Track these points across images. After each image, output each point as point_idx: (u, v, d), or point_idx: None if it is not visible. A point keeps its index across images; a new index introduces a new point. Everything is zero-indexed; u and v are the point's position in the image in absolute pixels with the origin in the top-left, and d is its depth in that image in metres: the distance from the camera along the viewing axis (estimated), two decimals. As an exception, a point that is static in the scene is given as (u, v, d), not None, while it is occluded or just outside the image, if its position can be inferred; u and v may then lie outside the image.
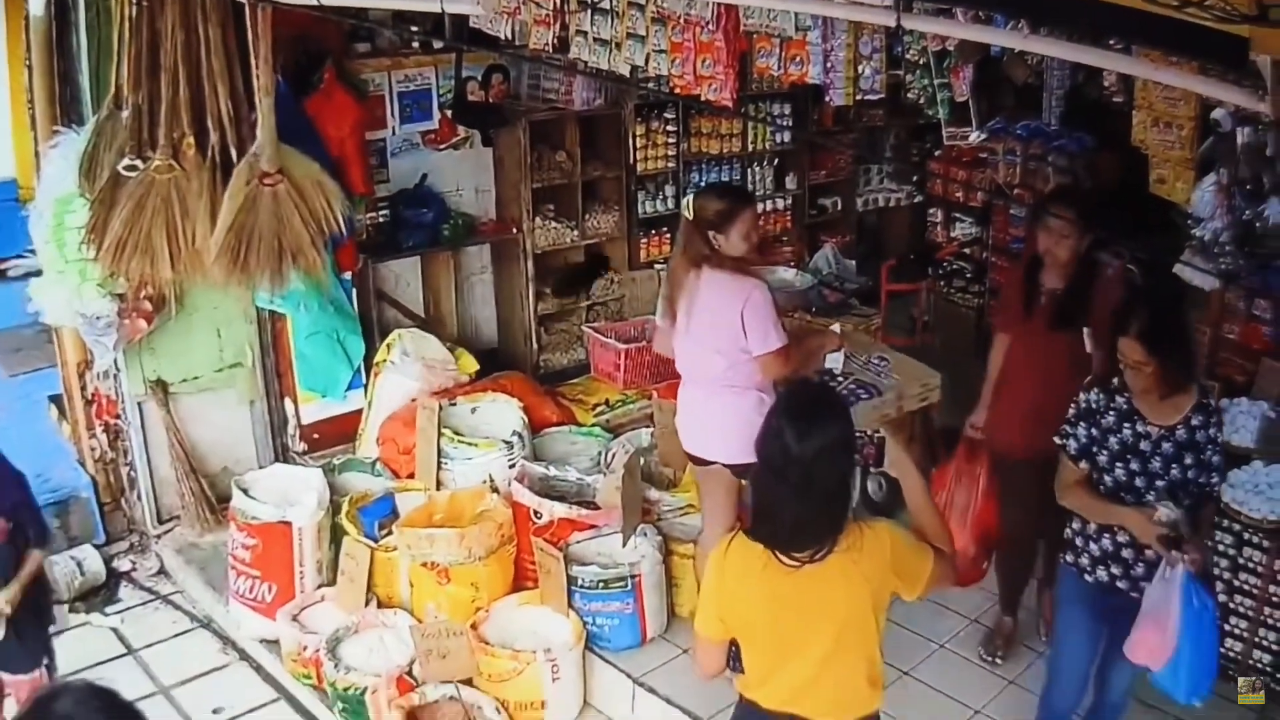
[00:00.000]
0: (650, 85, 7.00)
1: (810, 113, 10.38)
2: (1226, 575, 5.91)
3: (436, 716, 5.83)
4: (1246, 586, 5.86)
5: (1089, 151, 8.50)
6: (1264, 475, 5.87)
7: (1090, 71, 5.41)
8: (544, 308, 9.11)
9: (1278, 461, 5.92)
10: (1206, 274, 6.32)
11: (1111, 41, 3.60)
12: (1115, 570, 4.75)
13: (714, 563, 3.85)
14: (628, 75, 5.80)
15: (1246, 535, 5.81)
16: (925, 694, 5.99)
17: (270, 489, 6.78)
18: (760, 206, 10.04)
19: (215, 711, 6.37)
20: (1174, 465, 4.59)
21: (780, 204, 10.47)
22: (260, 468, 7.47)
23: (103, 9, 6.88)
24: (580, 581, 6.09)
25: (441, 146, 8.54)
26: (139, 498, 7.66)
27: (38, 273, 7.15)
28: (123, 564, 7.62)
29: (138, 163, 6.40)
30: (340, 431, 7.93)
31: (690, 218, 5.61)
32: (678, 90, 5.57)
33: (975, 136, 6.64)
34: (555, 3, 5.70)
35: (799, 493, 3.54)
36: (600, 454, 7.06)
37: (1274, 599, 5.78)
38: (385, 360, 7.60)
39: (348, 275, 7.80)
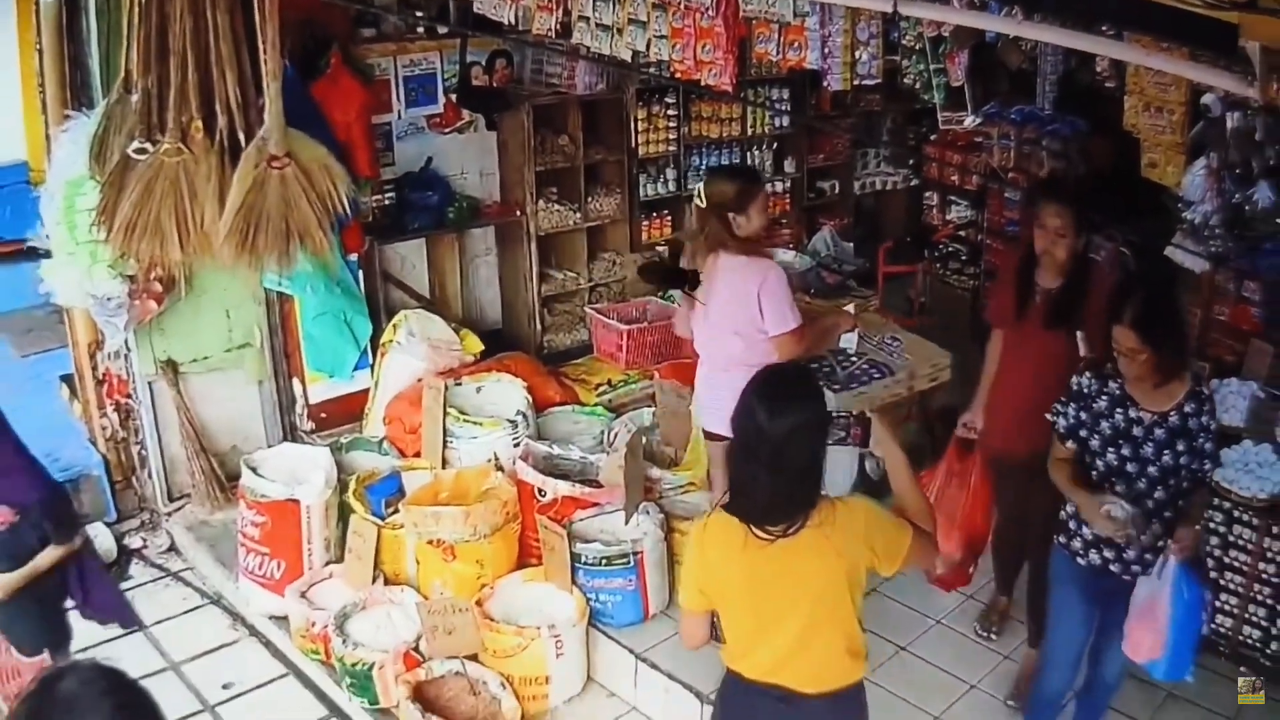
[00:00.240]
0: (651, 70, 7.05)
1: (808, 97, 10.44)
2: (1217, 553, 5.99)
3: (442, 691, 5.88)
4: (1236, 564, 5.95)
5: (1082, 136, 8.54)
6: (1253, 454, 5.96)
7: (1083, 57, 5.43)
8: (547, 289, 9.18)
9: (1267, 440, 6.01)
10: (1197, 256, 6.34)
11: (1104, 28, 3.64)
12: (1108, 554, 4.78)
13: (695, 537, 3.97)
14: (629, 60, 5.84)
15: (1236, 513, 5.90)
16: (921, 668, 6.07)
17: (279, 467, 6.82)
18: (760, 189, 10.14)
19: (225, 687, 6.40)
20: (1166, 451, 4.61)
21: (779, 187, 10.50)
22: (269, 446, 7.53)
23: (112, -7, 6.93)
24: (583, 558, 6.14)
25: (446, 130, 8.58)
26: (149, 476, 7.72)
27: (49, 254, 7.18)
28: (134, 541, 7.66)
29: (147, 146, 6.40)
30: (347, 411, 7.98)
31: (704, 204, 5.73)
32: (678, 75, 5.62)
33: (970, 121, 6.68)
34: (558, -12, 5.78)
35: (771, 470, 3.63)
36: (603, 433, 7.11)
37: (1263, 576, 5.87)
38: (391, 341, 7.65)
39: (354, 257, 7.86)
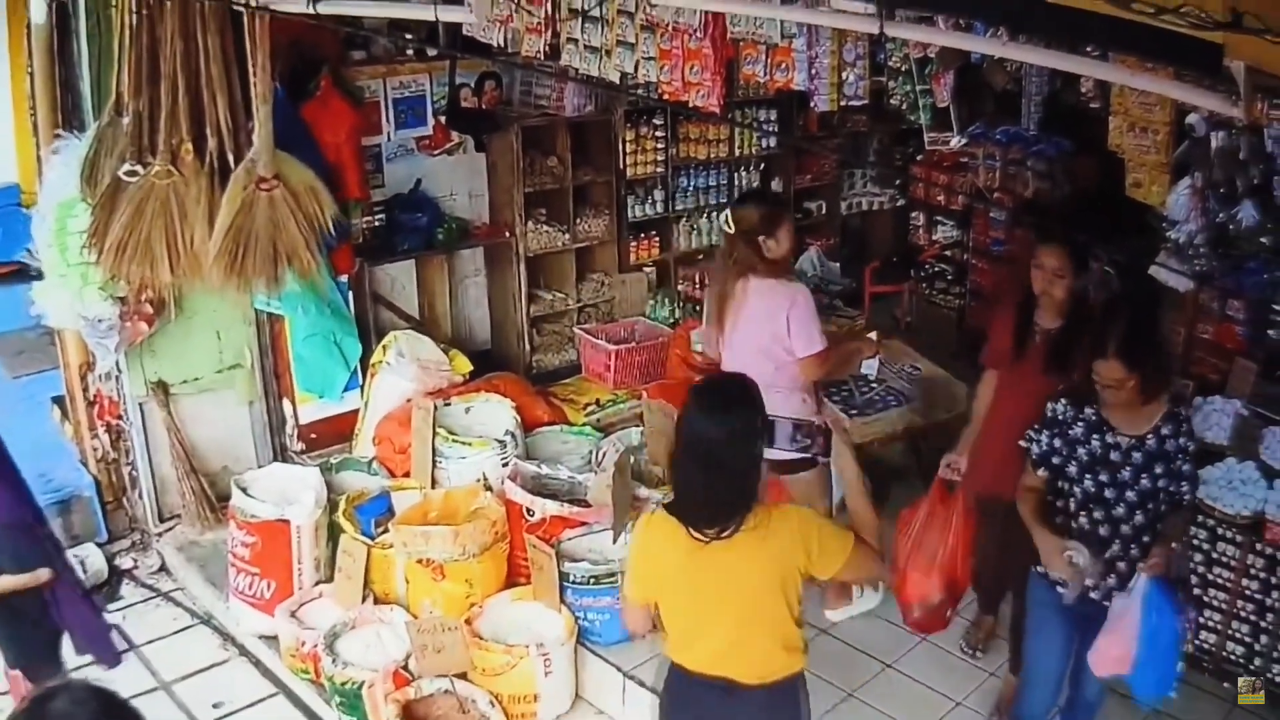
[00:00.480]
0: (639, 91, 7.11)
1: (795, 118, 10.47)
2: (1200, 569, 6.00)
3: (432, 710, 5.88)
4: (1220, 581, 5.97)
5: (1067, 156, 8.58)
6: (1237, 472, 5.97)
7: (1068, 78, 5.48)
8: (536, 309, 9.21)
9: (1250, 459, 6.02)
10: (1181, 275, 6.37)
11: (1089, 48, 3.66)
12: (1088, 581, 4.68)
13: (637, 532, 4.16)
14: (617, 82, 5.86)
15: (1220, 530, 5.92)
16: (908, 686, 6.08)
17: (269, 488, 6.81)
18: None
19: (215, 706, 6.40)
20: (1144, 475, 4.58)
21: (767, 208, 10.54)
22: (259, 467, 7.50)
23: (103, 17, 6.95)
24: (572, 577, 6.14)
25: (436, 152, 8.65)
26: (140, 497, 7.73)
27: (40, 276, 7.20)
28: (125, 561, 7.67)
29: (138, 168, 6.46)
30: (337, 431, 7.99)
31: (732, 229, 5.87)
32: (666, 96, 5.68)
33: (956, 141, 6.73)
34: (546, 11, 5.77)
35: (708, 473, 3.79)
36: (591, 453, 7.10)
37: (1246, 592, 5.88)
38: (381, 361, 7.64)
39: (344, 278, 7.87)
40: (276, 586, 6.58)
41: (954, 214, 9.82)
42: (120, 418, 7.72)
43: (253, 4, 5.90)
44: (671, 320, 9.29)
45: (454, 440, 6.88)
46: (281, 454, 8.01)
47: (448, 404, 7.24)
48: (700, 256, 10.04)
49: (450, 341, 8.49)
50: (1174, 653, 4.56)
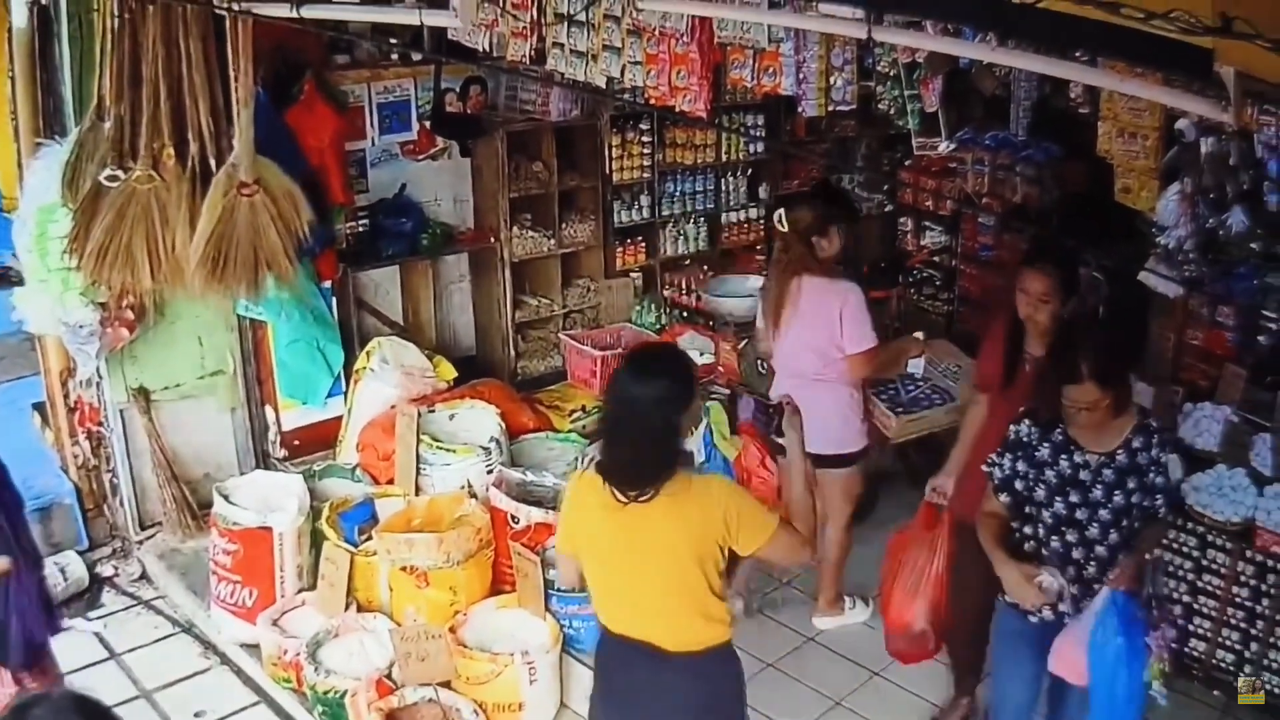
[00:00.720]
0: (626, 96, 7.09)
1: (783, 123, 10.42)
2: (1190, 576, 6.02)
3: (415, 718, 5.84)
4: (1210, 588, 5.97)
5: (1056, 161, 8.57)
6: (1227, 478, 5.99)
7: (1056, 83, 5.49)
8: (521, 315, 9.19)
9: (1240, 465, 6.03)
10: (1171, 281, 6.37)
11: (1078, 53, 3.66)
12: (1063, 607, 4.55)
13: (569, 488, 4.40)
14: (604, 86, 5.85)
15: (1210, 537, 5.93)
16: (895, 694, 6.12)
17: (251, 495, 6.78)
18: (733, 216, 10.20)
19: (197, 715, 6.36)
20: (1116, 491, 4.43)
21: (754, 213, 10.52)
22: (241, 474, 7.48)
23: (85, 22, 6.93)
24: (557, 585, 6.08)
25: (420, 157, 8.62)
26: (121, 504, 7.69)
27: (21, 281, 7.18)
28: (105, 569, 7.62)
29: (119, 173, 6.42)
30: (320, 438, 7.96)
31: (786, 229, 6.12)
32: (653, 101, 5.65)
33: (944, 146, 6.75)
34: (532, 15, 5.75)
35: (630, 434, 3.94)
36: (576, 459, 7.04)
37: (1236, 599, 5.89)
38: (365, 368, 7.62)
39: (328, 284, 7.85)
40: (259, 594, 6.55)
41: (942, 219, 9.80)
42: (101, 424, 7.69)
43: (235, 8, 5.85)
44: (658, 326, 9.26)
45: (438, 447, 6.85)
46: (264, 461, 7.98)
47: (432, 410, 7.23)
48: (687, 261, 10.03)
49: (435, 348, 8.47)
50: (1123, 671, 4.31)
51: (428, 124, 8.50)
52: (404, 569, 6.18)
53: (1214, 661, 6.00)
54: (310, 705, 6.11)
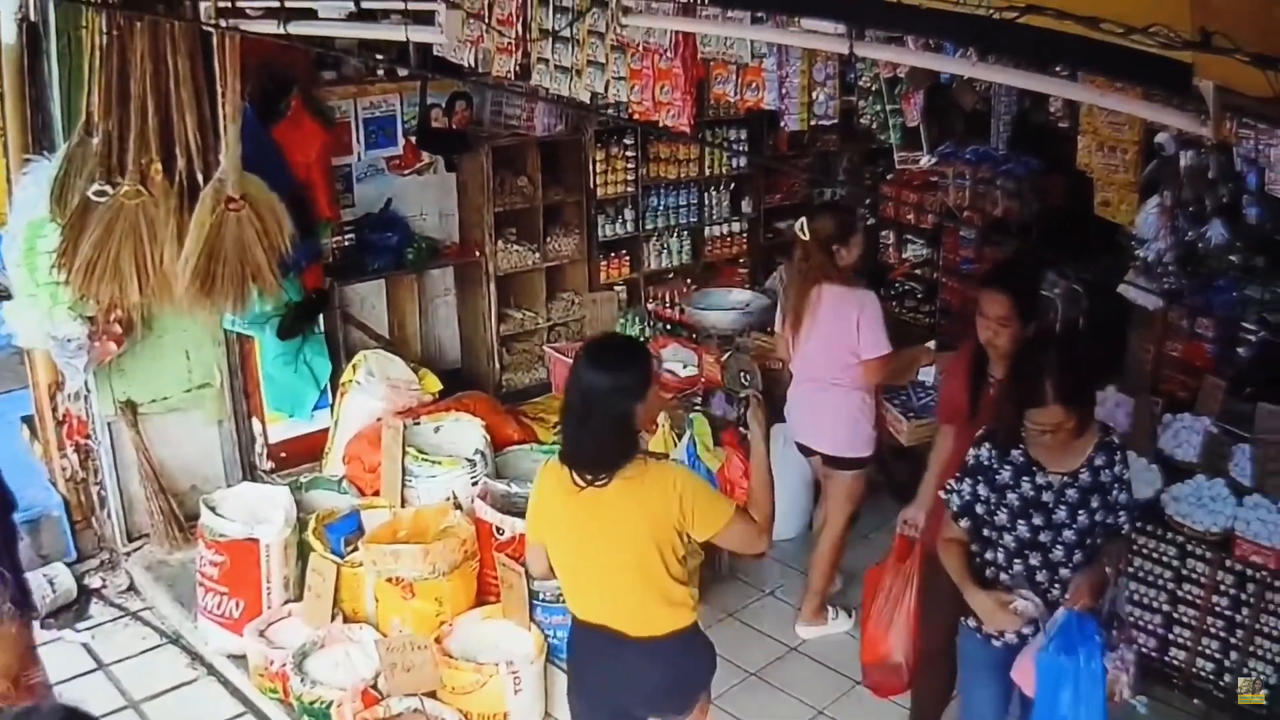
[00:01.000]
0: (610, 111, 7.13)
1: (766, 138, 10.54)
2: (1170, 586, 6.08)
3: (401, 728, 5.88)
4: (1190, 597, 6.04)
5: (1036, 175, 8.64)
6: (1206, 489, 6.06)
7: (1036, 97, 5.53)
8: (506, 329, 9.23)
9: (1219, 476, 6.10)
10: (1150, 293, 6.42)
11: (1058, 68, 3.69)
12: (1026, 630, 4.42)
13: (537, 477, 4.41)
14: (588, 102, 5.85)
15: (1189, 547, 6.00)
16: (876, 703, 6.01)
17: (238, 507, 6.77)
18: (717, 230, 10.26)
19: (184, 725, 6.38)
20: (1080, 511, 4.28)
21: (736, 227, 10.61)
22: (228, 486, 7.48)
23: (74, 38, 6.91)
24: (541, 595, 6.13)
25: (406, 172, 8.67)
26: (109, 516, 7.69)
27: (9, 296, 7.19)
28: (93, 581, 7.62)
29: (107, 188, 6.42)
30: (307, 450, 7.99)
31: (807, 238, 6.25)
32: (636, 116, 5.64)
33: (926, 161, 6.80)
34: (517, 31, 5.78)
35: (588, 421, 4.05)
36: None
37: (1216, 609, 5.95)
38: (351, 381, 7.62)
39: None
40: (245, 605, 6.55)
41: (924, 233, 9.86)
42: (89, 437, 7.69)
43: (223, 24, 5.89)
44: (642, 339, 9.28)
45: (424, 459, 6.86)
46: (251, 473, 8.00)
47: (417, 423, 7.23)
48: (670, 275, 10.08)
49: (420, 361, 8.49)
50: (1066, 692, 4.19)
51: (413, 139, 8.55)
52: (390, 580, 6.19)
53: (1194, 670, 6.06)
54: (296, 715, 6.11)
